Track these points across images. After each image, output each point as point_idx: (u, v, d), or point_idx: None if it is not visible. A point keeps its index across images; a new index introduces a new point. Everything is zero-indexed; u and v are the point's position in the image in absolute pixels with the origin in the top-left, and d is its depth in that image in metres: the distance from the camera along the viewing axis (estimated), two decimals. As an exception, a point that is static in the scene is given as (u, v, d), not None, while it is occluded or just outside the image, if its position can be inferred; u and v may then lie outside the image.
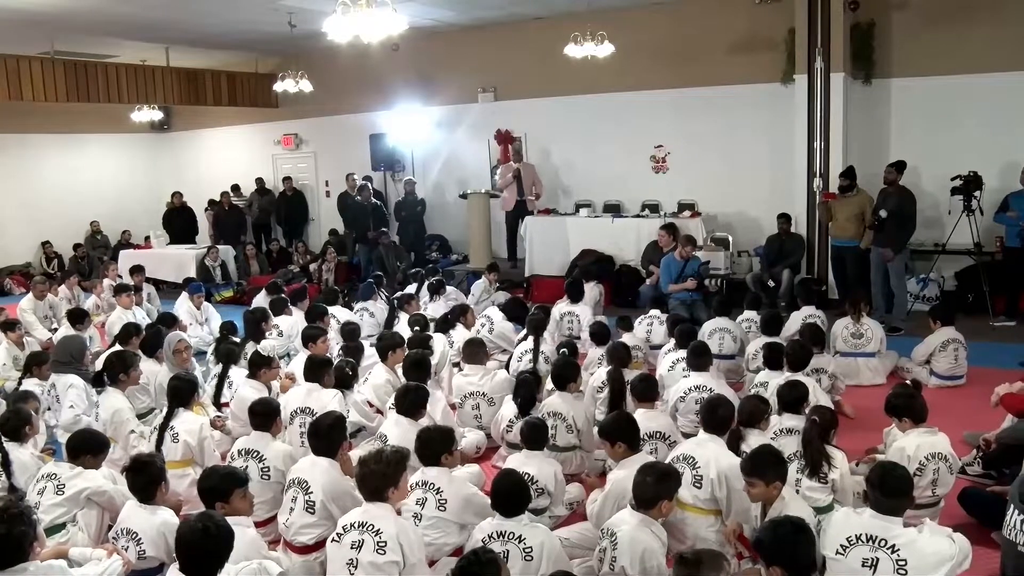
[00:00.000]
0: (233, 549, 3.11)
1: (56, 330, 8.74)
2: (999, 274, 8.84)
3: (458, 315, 7.59)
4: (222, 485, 3.66)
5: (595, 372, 6.02)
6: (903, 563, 3.14)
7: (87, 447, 4.28)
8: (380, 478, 3.58)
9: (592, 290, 8.84)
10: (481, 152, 13.18)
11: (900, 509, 3.28)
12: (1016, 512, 3.42)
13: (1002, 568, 3.59)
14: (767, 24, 10.27)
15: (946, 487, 4.21)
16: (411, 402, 4.92)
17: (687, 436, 4.94)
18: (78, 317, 8.06)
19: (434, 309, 8.59)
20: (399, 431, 4.79)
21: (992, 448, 4.82)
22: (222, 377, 6.18)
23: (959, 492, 4.35)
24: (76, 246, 15.07)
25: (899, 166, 8.70)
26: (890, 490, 3.28)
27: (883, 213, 8.51)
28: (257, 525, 4.24)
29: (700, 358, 5.61)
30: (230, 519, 3.41)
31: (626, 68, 10.97)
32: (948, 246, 9.11)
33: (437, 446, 4.10)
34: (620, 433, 4.27)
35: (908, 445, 4.19)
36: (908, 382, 5.56)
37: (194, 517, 3.20)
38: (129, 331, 6.68)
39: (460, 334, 7.30)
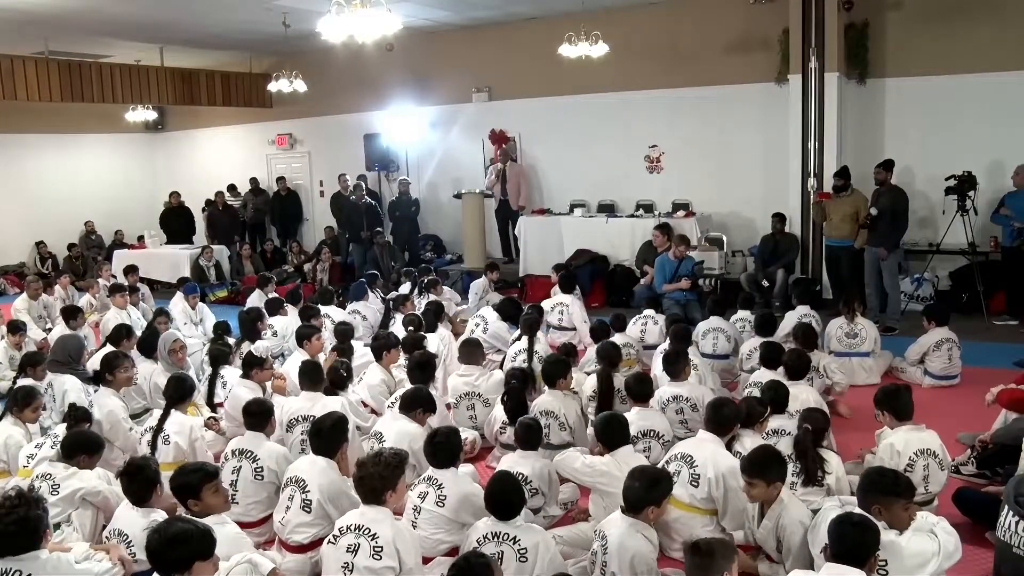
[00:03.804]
0: (211, 549, 3.04)
1: (50, 330, 8.71)
2: (996, 273, 8.84)
3: (433, 316, 7.52)
4: (191, 481, 3.64)
5: (591, 376, 6.01)
6: (883, 564, 3.15)
7: (83, 447, 4.28)
8: (378, 480, 3.57)
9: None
10: (475, 152, 13.17)
11: (896, 509, 3.27)
12: (1010, 513, 3.43)
13: (996, 569, 3.59)
14: (761, 24, 10.27)
15: (938, 484, 4.22)
16: (419, 407, 4.92)
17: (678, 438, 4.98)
18: (72, 313, 8.05)
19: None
20: (396, 429, 4.79)
21: (990, 448, 4.83)
22: (213, 378, 6.18)
23: (954, 492, 4.35)
24: (71, 246, 15.02)
25: (887, 165, 8.74)
26: (884, 489, 3.30)
27: (873, 211, 8.55)
28: (251, 525, 4.27)
29: (674, 365, 5.56)
30: (207, 519, 3.43)
31: (621, 68, 10.98)
32: (942, 246, 9.13)
33: (453, 449, 4.14)
34: (605, 436, 4.32)
35: (897, 441, 4.20)
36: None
37: (157, 523, 3.19)
38: (121, 333, 6.63)
39: (441, 333, 7.32)
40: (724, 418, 4.31)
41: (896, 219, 8.55)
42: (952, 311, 7.33)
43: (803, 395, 5.11)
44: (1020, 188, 8.47)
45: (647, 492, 3.53)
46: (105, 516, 4.19)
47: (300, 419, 5.11)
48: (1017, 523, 3.38)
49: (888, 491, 3.31)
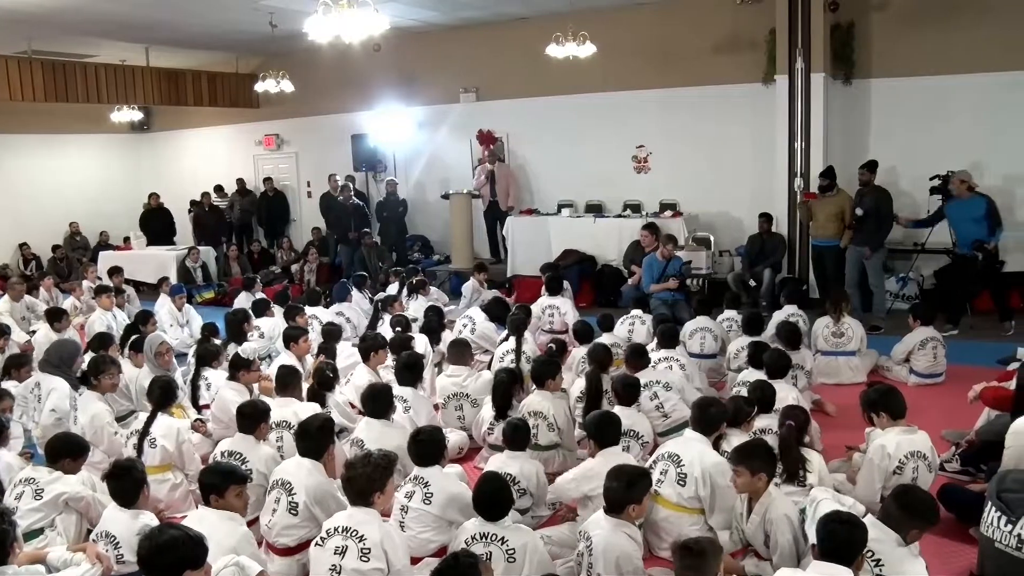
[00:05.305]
0: (201, 557, 3.00)
1: (35, 332, 8.64)
2: (953, 280, 8.69)
3: (438, 321, 7.53)
4: (220, 480, 3.69)
5: (579, 377, 6.02)
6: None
7: (67, 451, 4.26)
8: (367, 481, 3.57)
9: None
10: (463, 152, 13.16)
11: (907, 531, 3.23)
12: (994, 509, 3.46)
13: (979, 564, 3.63)
14: (748, 24, 10.31)
15: (926, 485, 4.22)
16: (383, 405, 4.92)
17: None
18: (56, 316, 7.98)
19: (415, 309, 8.57)
20: (374, 434, 4.78)
21: (974, 444, 4.88)
22: (195, 379, 6.15)
23: (938, 489, 4.38)
24: (55, 247, 14.91)
25: (871, 166, 8.83)
26: (905, 505, 3.26)
27: (859, 212, 8.59)
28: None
29: (640, 359, 5.71)
30: (222, 512, 3.56)
31: (608, 68, 11.01)
32: (927, 245, 9.18)
33: (437, 447, 4.15)
34: (598, 433, 4.32)
35: (888, 443, 4.22)
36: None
37: (149, 530, 3.18)
38: (104, 341, 6.56)
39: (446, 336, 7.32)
40: (711, 417, 4.32)
41: (881, 219, 8.61)
42: (937, 310, 7.38)
43: (783, 393, 5.13)
44: (959, 196, 8.27)
45: (626, 491, 3.55)
46: (88, 521, 4.16)
47: (273, 425, 5.03)
48: (1000, 518, 3.41)
49: (931, 522, 3.32)
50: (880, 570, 3.13)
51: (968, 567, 3.76)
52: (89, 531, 4.05)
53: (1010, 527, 3.36)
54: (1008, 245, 9.28)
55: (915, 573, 3.14)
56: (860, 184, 8.80)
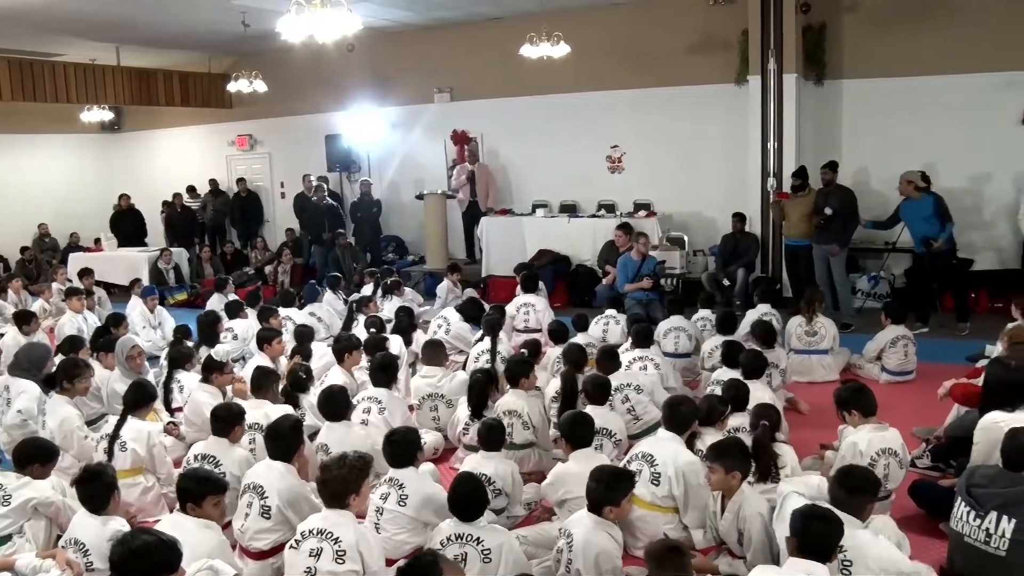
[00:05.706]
0: (175, 562, 2.96)
1: (3, 335, 8.50)
2: (918, 278, 8.88)
3: (408, 322, 7.52)
4: (197, 488, 3.60)
5: (554, 378, 6.02)
6: (848, 565, 3.19)
7: (36, 455, 4.17)
8: (342, 483, 3.56)
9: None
10: (437, 153, 13.14)
11: (860, 508, 3.32)
12: (963, 504, 3.51)
13: (949, 558, 3.67)
14: (721, 25, 10.38)
15: (896, 481, 4.30)
16: (339, 407, 4.91)
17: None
18: (25, 318, 7.86)
19: (389, 309, 8.54)
20: (336, 437, 4.76)
21: (942, 441, 4.94)
22: (168, 381, 6.09)
23: (909, 485, 4.45)
24: (23, 249, 14.70)
25: (832, 166, 8.97)
26: (851, 487, 3.35)
27: (828, 211, 8.68)
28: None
29: (611, 362, 5.72)
30: (198, 520, 3.50)
31: (582, 68, 11.03)
32: (897, 244, 9.28)
33: (411, 448, 4.14)
34: (571, 432, 4.34)
35: (860, 440, 4.26)
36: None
37: (122, 535, 3.13)
38: (74, 343, 6.47)
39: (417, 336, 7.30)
40: (681, 416, 4.33)
41: (848, 218, 8.72)
42: (907, 308, 7.47)
43: (758, 393, 5.17)
44: (908, 196, 8.39)
45: (604, 492, 3.58)
46: (58, 527, 4.10)
47: (246, 428, 5.00)
48: (969, 513, 3.46)
49: (875, 491, 3.45)
50: (844, 555, 3.17)
51: (939, 561, 3.81)
52: (59, 537, 3.99)
53: (979, 521, 3.41)
54: (976, 244, 9.46)
55: (877, 554, 3.20)
56: (823, 184, 8.92)
